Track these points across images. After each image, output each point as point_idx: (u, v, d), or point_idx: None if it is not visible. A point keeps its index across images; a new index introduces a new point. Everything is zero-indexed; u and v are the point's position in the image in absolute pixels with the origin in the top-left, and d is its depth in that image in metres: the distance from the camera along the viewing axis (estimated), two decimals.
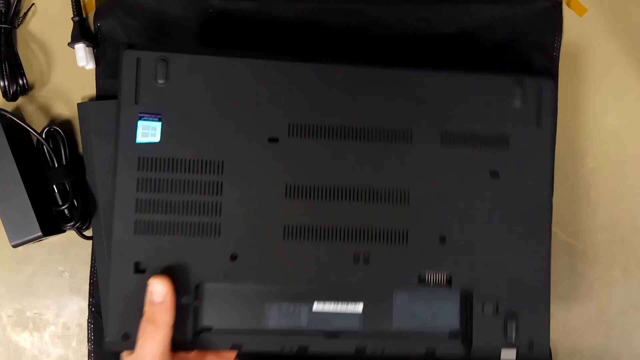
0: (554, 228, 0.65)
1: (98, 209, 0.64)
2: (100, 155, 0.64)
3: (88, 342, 0.65)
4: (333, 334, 0.54)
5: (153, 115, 0.53)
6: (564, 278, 0.66)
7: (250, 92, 0.54)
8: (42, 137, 0.63)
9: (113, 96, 0.65)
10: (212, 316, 0.53)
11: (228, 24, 0.64)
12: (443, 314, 0.55)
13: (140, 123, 0.53)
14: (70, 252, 0.66)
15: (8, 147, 0.61)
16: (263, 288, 0.54)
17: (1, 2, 0.63)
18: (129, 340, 0.51)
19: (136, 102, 0.53)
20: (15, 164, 0.61)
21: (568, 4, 0.66)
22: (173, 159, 0.53)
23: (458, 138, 0.56)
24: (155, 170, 0.53)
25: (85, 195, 0.64)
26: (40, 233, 0.61)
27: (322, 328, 0.54)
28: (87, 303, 0.65)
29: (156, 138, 0.53)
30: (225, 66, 0.54)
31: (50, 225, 0.63)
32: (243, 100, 0.54)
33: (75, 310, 0.66)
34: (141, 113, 0.53)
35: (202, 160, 0.53)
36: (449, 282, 0.55)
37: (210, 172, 0.53)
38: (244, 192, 0.53)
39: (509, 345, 0.55)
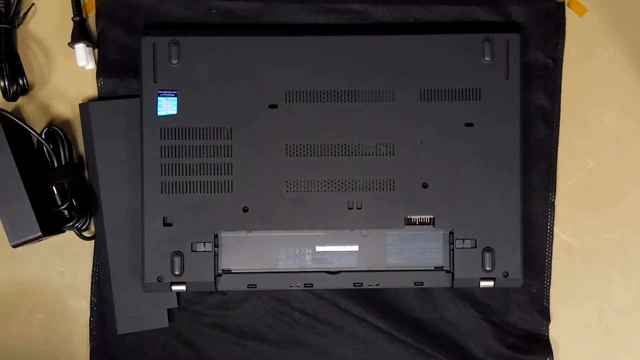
0: (554, 228, 0.66)
1: (100, 208, 0.64)
2: (102, 155, 0.64)
3: (90, 340, 0.65)
4: (334, 272, 0.62)
5: (170, 92, 0.61)
6: (564, 278, 0.66)
7: (250, 66, 0.62)
8: (42, 137, 0.63)
9: (113, 96, 0.65)
10: (230, 260, 0.62)
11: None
12: (429, 251, 0.63)
13: (160, 99, 0.61)
14: (70, 252, 0.66)
15: (8, 147, 0.61)
16: (272, 235, 0.62)
17: (1, 2, 0.63)
18: (163, 282, 0.61)
19: (155, 81, 0.61)
20: (15, 164, 0.61)
21: (568, 4, 0.66)
22: (189, 128, 0.61)
23: (435, 94, 0.62)
24: (175, 138, 0.61)
25: (84, 195, 0.64)
26: (40, 233, 0.61)
27: (324, 268, 0.62)
28: (89, 302, 0.65)
29: (174, 111, 0.61)
30: (228, 44, 0.62)
31: (50, 225, 0.63)
32: (245, 73, 0.62)
33: (75, 310, 0.66)
34: (160, 90, 0.61)
35: (213, 128, 0.62)
36: (432, 223, 0.62)
37: (221, 138, 0.62)
38: (250, 153, 0.62)
39: (487, 276, 0.62)
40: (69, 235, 0.65)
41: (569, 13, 0.66)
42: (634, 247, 0.67)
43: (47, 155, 0.63)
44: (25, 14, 0.65)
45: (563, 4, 0.66)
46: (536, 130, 0.65)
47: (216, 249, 0.62)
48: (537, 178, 0.65)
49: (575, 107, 0.66)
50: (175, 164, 0.61)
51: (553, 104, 0.66)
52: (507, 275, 0.62)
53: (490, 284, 0.62)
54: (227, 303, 0.65)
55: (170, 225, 0.61)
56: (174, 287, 0.62)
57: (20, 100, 0.65)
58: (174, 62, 0.61)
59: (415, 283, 0.62)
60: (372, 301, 0.65)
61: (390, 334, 0.65)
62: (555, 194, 0.66)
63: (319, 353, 0.66)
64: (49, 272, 0.66)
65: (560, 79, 0.66)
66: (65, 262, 0.66)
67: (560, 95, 0.66)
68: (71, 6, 0.64)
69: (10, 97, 0.63)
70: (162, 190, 0.61)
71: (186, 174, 0.61)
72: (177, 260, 0.61)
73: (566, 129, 0.66)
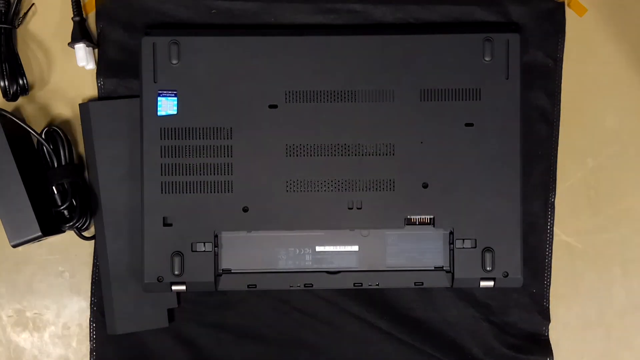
0: (554, 228, 0.66)
1: (100, 208, 0.64)
2: (102, 155, 0.64)
3: (90, 340, 0.65)
4: (334, 272, 0.62)
5: (170, 92, 0.61)
6: (564, 278, 0.66)
7: (250, 66, 0.62)
8: (41, 137, 0.63)
9: (113, 96, 0.65)
10: (230, 260, 0.62)
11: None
12: (429, 251, 0.63)
13: (160, 99, 0.61)
14: (70, 252, 0.66)
15: (8, 147, 0.61)
16: (272, 235, 0.62)
17: (1, 2, 0.63)
18: (163, 282, 0.61)
19: (155, 81, 0.61)
20: (15, 164, 0.61)
21: (568, 4, 0.66)
22: (189, 128, 0.61)
23: (435, 94, 0.62)
24: (175, 138, 0.61)
25: (84, 195, 0.64)
26: (40, 233, 0.61)
27: (324, 268, 0.62)
28: (89, 302, 0.65)
29: (174, 111, 0.61)
30: (228, 45, 0.62)
31: (50, 225, 0.63)
32: (245, 73, 0.62)
33: (75, 310, 0.66)
34: (160, 90, 0.61)
35: (213, 128, 0.61)
36: (432, 223, 0.62)
37: (221, 138, 0.61)
38: (250, 153, 0.61)
39: (487, 276, 0.61)
40: (69, 235, 0.65)
41: (569, 13, 0.66)
42: (634, 247, 0.67)
43: (47, 155, 0.63)
44: (25, 14, 0.65)
45: (563, 4, 0.66)
46: (536, 130, 0.65)
47: (216, 249, 0.62)
48: (537, 178, 0.65)
49: (575, 107, 0.66)
50: (175, 164, 0.61)
51: (553, 104, 0.66)
52: (507, 275, 0.61)
53: (490, 284, 0.62)
54: (227, 303, 0.65)
55: (170, 225, 0.61)
56: (174, 287, 0.62)
57: (20, 100, 0.65)
58: (174, 62, 0.61)
59: (415, 283, 0.62)
60: (372, 301, 0.65)
61: (390, 334, 0.65)
62: (555, 194, 0.66)
63: (319, 353, 0.66)
64: (49, 272, 0.66)
65: (560, 79, 0.66)
66: (65, 262, 0.66)
67: (560, 95, 0.66)
68: (71, 6, 0.64)
69: (10, 97, 0.64)
70: (162, 190, 0.61)
71: (186, 174, 0.61)
72: (177, 260, 0.61)
73: (566, 129, 0.66)
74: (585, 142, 0.66)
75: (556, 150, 0.66)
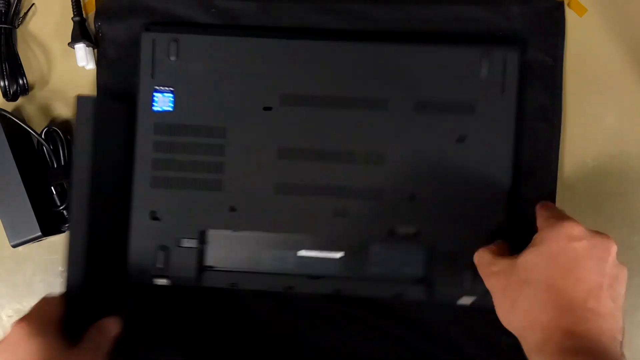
0: None
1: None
2: (101, 155, 0.64)
3: None
4: (315, 277, 0.62)
5: (167, 88, 0.62)
6: None
7: (247, 67, 0.62)
8: (41, 137, 0.63)
9: (113, 96, 0.65)
10: (213, 258, 0.62)
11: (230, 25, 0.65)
12: (411, 263, 0.62)
13: (156, 94, 0.62)
14: None
15: (8, 147, 0.61)
16: (257, 236, 0.62)
17: (1, 2, 0.63)
18: (146, 275, 0.62)
19: (152, 77, 0.62)
20: (15, 164, 0.61)
21: (568, 4, 0.66)
22: (183, 125, 0.62)
23: (429, 106, 0.61)
24: (169, 134, 0.62)
25: None
26: (40, 233, 0.61)
27: (306, 272, 0.62)
28: None
29: (169, 107, 0.62)
30: (226, 44, 0.62)
31: (50, 225, 0.63)
32: (241, 74, 0.62)
33: None
34: (157, 86, 0.62)
35: (207, 126, 0.62)
36: (416, 235, 0.61)
37: (214, 136, 0.61)
38: (242, 153, 0.62)
39: (467, 293, 0.61)
40: None
41: (569, 13, 0.66)
42: (634, 247, 0.66)
43: (47, 155, 0.63)
44: (25, 14, 0.65)
45: (563, 3, 0.66)
46: (536, 130, 0.65)
47: (201, 245, 0.62)
48: (537, 178, 0.65)
49: (575, 107, 0.66)
50: (167, 159, 0.62)
51: (553, 104, 0.66)
52: (487, 294, 0.58)
53: (469, 301, 0.61)
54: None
55: (158, 219, 0.62)
56: (157, 281, 0.62)
57: (20, 100, 0.65)
58: (172, 58, 0.62)
59: (395, 294, 0.62)
60: (373, 301, 0.65)
61: (391, 334, 0.65)
62: (555, 194, 0.66)
63: (319, 353, 0.66)
64: (49, 272, 0.66)
65: (561, 79, 0.66)
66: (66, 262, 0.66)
67: (560, 95, 0.66)
68: (71, 6, 0.64)
69: (10, 97, 0.64)
70: (152, 184, 0.62)
71: (177, 170, 0.62)
72: (161, 254, 0.61)
73: (566, 129, 0.66)
74: (585, 142, 0.66)
75: (557, 150, 0.66)
